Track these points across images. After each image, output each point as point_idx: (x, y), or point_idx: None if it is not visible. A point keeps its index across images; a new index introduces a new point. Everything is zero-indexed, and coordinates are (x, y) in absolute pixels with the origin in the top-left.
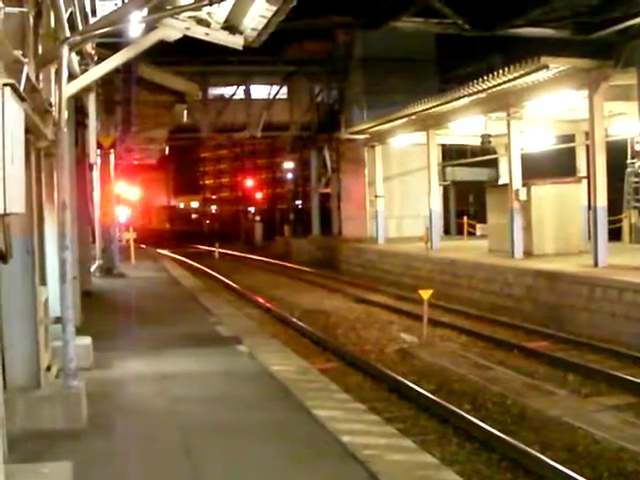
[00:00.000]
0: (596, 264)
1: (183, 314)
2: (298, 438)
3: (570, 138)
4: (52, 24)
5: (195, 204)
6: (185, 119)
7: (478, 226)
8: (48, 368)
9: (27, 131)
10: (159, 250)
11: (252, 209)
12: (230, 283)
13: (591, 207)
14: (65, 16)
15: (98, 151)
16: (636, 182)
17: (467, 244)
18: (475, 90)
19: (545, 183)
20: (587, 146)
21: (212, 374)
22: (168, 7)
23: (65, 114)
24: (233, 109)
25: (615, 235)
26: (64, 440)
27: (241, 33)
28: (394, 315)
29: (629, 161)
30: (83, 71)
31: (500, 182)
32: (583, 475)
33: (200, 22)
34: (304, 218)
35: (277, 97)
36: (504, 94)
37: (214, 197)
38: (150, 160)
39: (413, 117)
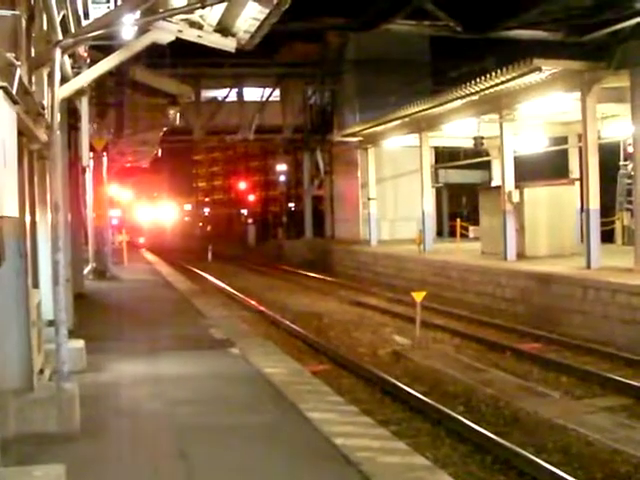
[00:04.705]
0: (589, 266)
1: (176, 317)
2: (291, 440)
3: (563, 140)
4: (45, 27)
5: (188, 207)
6: (178, 122)
7: (471, 228)
8: (41, 371)
9: (20, 134)
10: (151, 252)
11: (245, 211)
12: (223, 286)
13: (584, 209)
14: (58, 19)
15: (91, 154)
16: (629, 184)
17: (460, 246)
18: (468, 92)
19: (538, 185)
20: (580, 148)
21: (205, 377)
22: (161, 10)
23: (58, 117)
24: (226, 111)
25: (608, 237)
26: (57, 443)
27: (234, 36)
28: (387, 317)
29: (622, 163)
30: (76, 74)
31: (493, 184)
32: (576, 477)
33: (193, 25)
34: (297, 220)
35: (270, 99)
36: (497, 96)
37: (207, 199)
38: (143, 163)
39: (406, 119)
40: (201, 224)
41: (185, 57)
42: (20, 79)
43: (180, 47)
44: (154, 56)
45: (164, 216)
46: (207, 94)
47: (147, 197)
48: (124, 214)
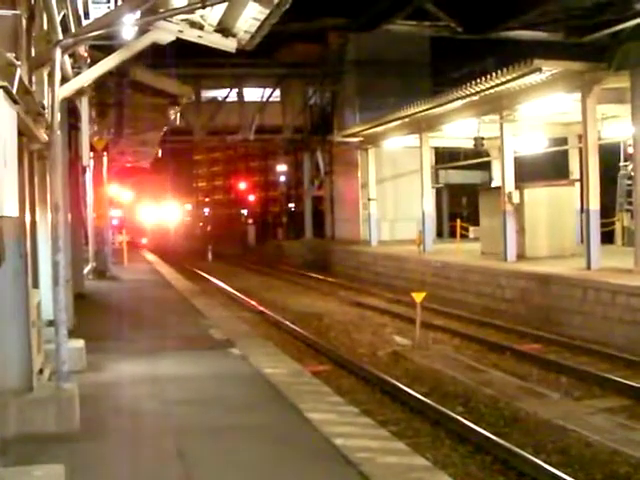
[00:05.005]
0: (589, 267)
1: (176, 317)
2: (291, 441)
3: (563, 141)
4: (45, 26)
5: (188, 207)
6: (178, 122)
7: (471, 229)
8: (41, 371)
9: (20, 134)
10: (151, 252)
11: (245, 212)
12: (223, 286)
13: (584, 210)
14: (58, 18)
15: (91, 154)
16: (629, 185)
17: (460, 247)
18: (468, 93)
19: (538, 186)
20: (580, 149)
21: (205, 377)
22: (161, 10)
23: (58, 116)
24: (226, 112)
25: (608, 238)
26: (56, 443)
27: (234, 36)
28: (387, 318)
29: (622, 164)
30: (76, 74)
31: (493, 185)
32: (576, 478)
33: (193, 25)
34: (297, 221)
35: (270, 100)
36: (497, 97)
37: (207, 200)
38: (143, 163)
39: (406, 120)
40: (201, 224)
41: (185, 57)
42: (20, 79)
43: (180, 47)
44: (155, 56)
45: (167, 217)
46: (207, 94)
47: (149, 198)
48: (126, 215)
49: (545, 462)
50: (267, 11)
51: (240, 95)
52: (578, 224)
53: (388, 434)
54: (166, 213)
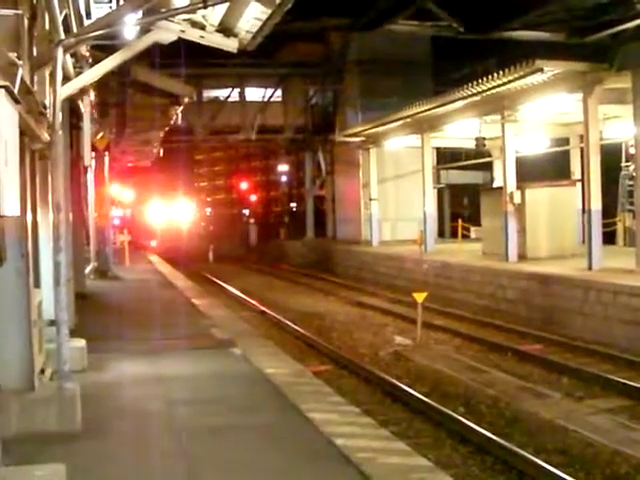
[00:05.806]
0: (590, 267)
1: (177, 317)
2: (292, 441)
3: (565, 141)
4: (47, 26)
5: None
6: (180, 121)
7: (472, 229)
8: (42, 371)
9: (21, 133)
10: (153, 253)
11: (247, 212)
12: (224, 286)
13: (585, 210)
14: (60, 18)
15: (93, 153)
16: (630, 185)
17: (461, 247)
18: (470, 93)
19: (539, 186)
20: (581, 149)
21: (207, 377)
22: (163, 10)
23: (60, 116)
24: (228, 111)
25: (609, 238)
26: (58, 443)
27: (236, 36)
28: (388, 318)
29: (623, 164)
30: (78, 73)
31: (494, 185)
32: (577, 478)
33: (195, 25)
34: (299, 221)
35: (272, 99)
36: (499, 97)
37: (209, 199)
38: (145, 162)
39: (408, 120)
40: (203, 224)
41: (188, 57)
42: (22, 78)
43: (183, 47)
44: (157, 56)
45: (178, 217)
46: (209, 94)
47: (155, 198)
48: (132, 216)
49: (546, 462)
50: (269, 11)
51: (242, 95)
52: (579, 224)
53: (389, 434)
54: (177, 214)
